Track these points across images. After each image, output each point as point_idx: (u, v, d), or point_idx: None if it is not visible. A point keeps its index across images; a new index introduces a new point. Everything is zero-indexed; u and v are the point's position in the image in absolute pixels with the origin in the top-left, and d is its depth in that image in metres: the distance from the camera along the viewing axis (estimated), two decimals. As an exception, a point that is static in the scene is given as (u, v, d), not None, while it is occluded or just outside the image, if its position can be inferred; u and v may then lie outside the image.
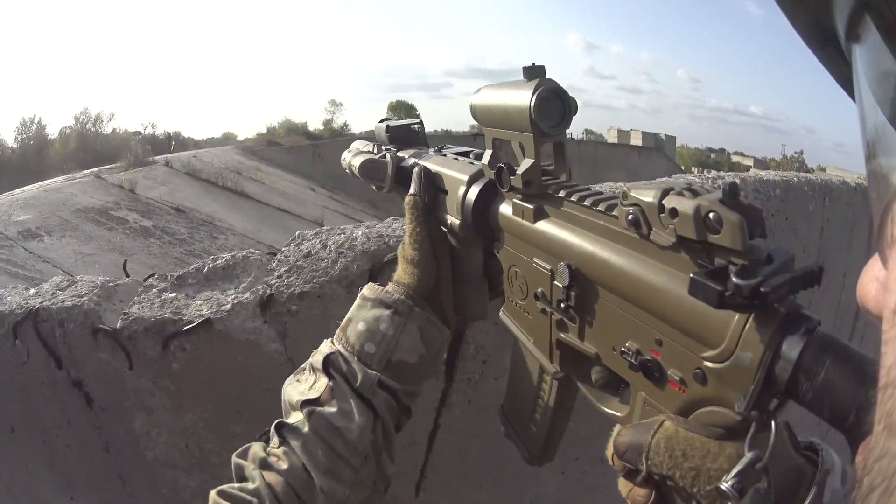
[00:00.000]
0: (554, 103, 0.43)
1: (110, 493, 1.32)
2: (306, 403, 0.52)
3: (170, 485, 1.18)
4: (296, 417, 0.52)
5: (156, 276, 1.15)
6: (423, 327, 0.56)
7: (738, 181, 0.30)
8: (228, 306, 1.03)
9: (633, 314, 0.36)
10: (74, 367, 1.19)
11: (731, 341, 0.29)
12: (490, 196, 0.53)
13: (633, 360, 0.36)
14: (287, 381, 0.57)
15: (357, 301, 0.58)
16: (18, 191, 7.33)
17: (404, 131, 0.71)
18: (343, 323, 0.57)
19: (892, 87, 0.19)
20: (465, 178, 0.55)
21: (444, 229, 0.61)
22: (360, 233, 1.03)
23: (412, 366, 0.55)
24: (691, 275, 0.29)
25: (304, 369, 0.57)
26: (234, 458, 0.53)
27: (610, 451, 0.37)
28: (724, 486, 0.29)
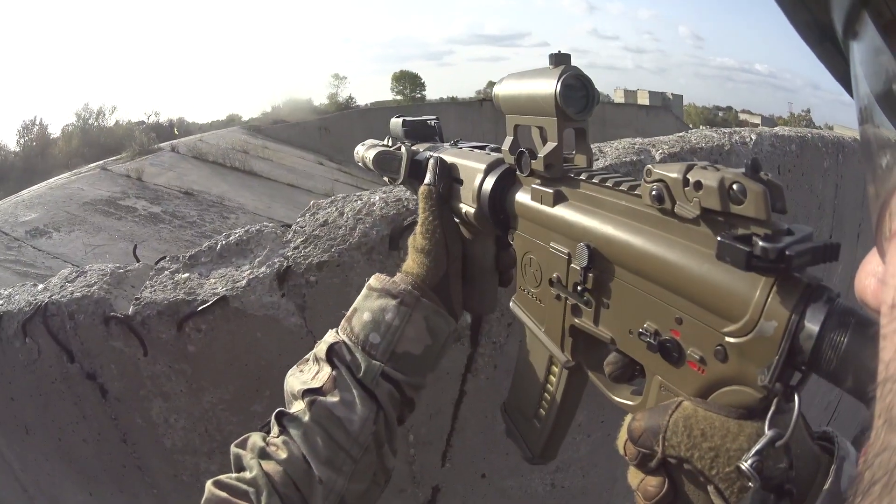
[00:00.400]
0: (578, 90, 0.43)
1: (130, 484, 1.29)
2: (308, 392, 0.52)
3: (190, 471, 1.15)
4: (297, 407, 0.52)
5: (167, 259, 1.12)
6: (429, 318, 0.55)
7: (758, 158, 0.30)
8: (244, 282, 1.01)
9: (653, 293, 0.36)
10: (87, 359, 1.16)
11: (755, 312, 0.29)
12: (507, 184, 0.53)
13: (651, 341, 0.36)
14: (290, 372, 0.56)
15: (363, 291, 0.57)
16: (24, 191, 7.26)
17: (420, 126, 0.71)
18: (348, 313, 0.57)
19: (890, 83, 0.19)
20: (483, 166, 0.55)
21: (458, 220, 0.60)
22: (377, 198, 1.01)
23: (417, 357, 0.55)
24: (718, 238, 0.29)
25: (308, 360, 0.56)
26: (233, 448, 0.52)
27: (622, 438, 0.36)
28: (743, 465, 0.28)
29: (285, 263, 1.00)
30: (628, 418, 0.38)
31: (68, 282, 1.22)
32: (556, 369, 0.50)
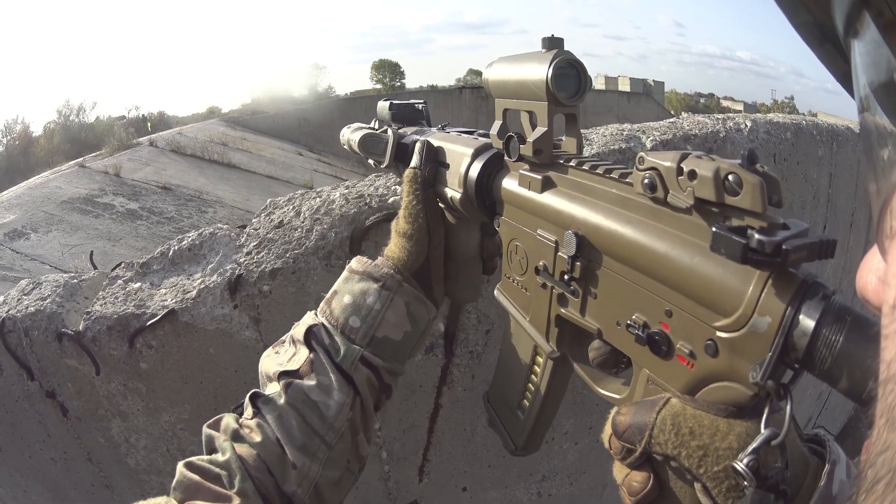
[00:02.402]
0: (570, 74, 0.43)
1: (103, 502, 1.24)
2: (284, 375, 0.50)
3: (157, 490, 1.09)
4: (272, 389, 0.51)
5: (122, 266, 1.05)
6: (410, 304, 0.54)
7: (755, 149, 0.26)
8: (194, 293, 0.92)
9: (643, 284, 0.35)
10: (45, 377, 1.10)
11: (749, 306, 0.28)
12: (495, 169, 0.52)
13: (639, 333, 0.35)
14: (265, 353, 0.55)
15: (344, 273, 0.56)
16: (3, 193, 7.27)
17: (407, 109, 0.70)
18: (328, 295, 0.56)
19: (891, 83, 0.19)
20: (470, 150, 0.54)
21: (443, 206, 0.59)
22: (337, 194, 0.91)
23: (396, 343, 0.54)
24: (714, 228, 0.28)
25: (284, 341, 0.55)
26: (205, 429, 0.51)
27: (607, 432, 0.36)
28: (738, 465, 0.28)
29: (237, 271, 0.91)
30: (613, 411, 0.36)
31: (24, 294, 1.15)
32: (540, 360, 0.49)
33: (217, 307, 0.91)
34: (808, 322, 0.26)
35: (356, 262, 0.56)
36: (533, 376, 0.50)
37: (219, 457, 0.47)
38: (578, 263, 0.40)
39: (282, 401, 0.49)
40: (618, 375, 0.42)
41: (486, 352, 0.94)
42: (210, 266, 0.95)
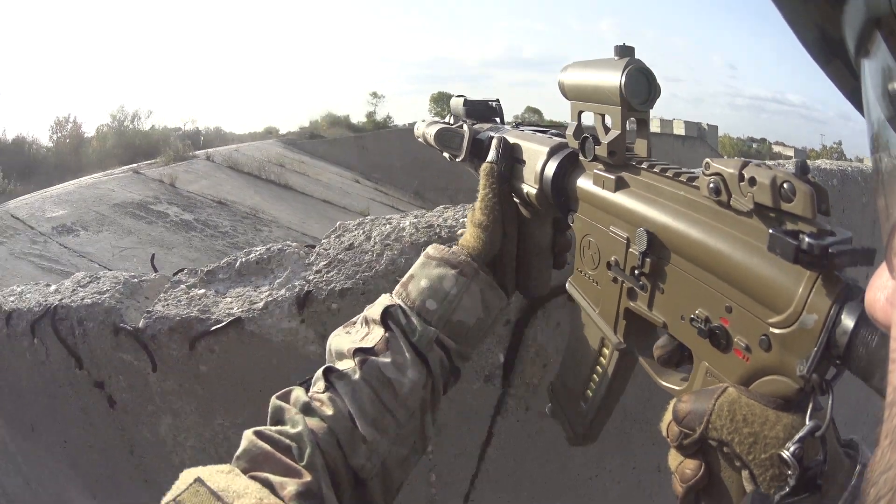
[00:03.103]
0: (641, 81, 0.45)
1: (135, 496, 1.25)
2: (359, 352, 0.52)
3: (200, 492, 1.11)
4: (346, 364, 0.52)
5: (185, 271, 1.06)
6: (484, 291, 0.56)
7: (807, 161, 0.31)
8: (261, 304, 0.94)
9: (706, 281, 0.37)
10: (95, 367, 1.11)
11: (799, 304, 0.31)
12: (569, 167, 0.54)
13: (702, 327, 0.37)
14: (334, 333, 0.57)
15: (421, 259, 0.59)
16: (53, 188, 7.21)
17: (482, 106, 0.71)
18: (404, 279, 0.58)
19: None
20: (546, 149, 0.56)
21: (517, 201, 0.61)
22: (407, 222, 0.93)
23: (469, 327, 0.56)
24: (770, 230, 0.31)
25: (356, 322, 0.56)
26: (274, 400, 0.52)
27: (667, 420, 0.38)
28: (784, 453, 0.30)
29: (306, 287, 0.93)
30: (674, 401, 0.38)
31: (80, 286, 1.16)
32: (606, 351, 0.51)
33: (284, 320, 0.93)
34: (848, 321, 0.28)
35: (433, 249, 0.58)
36: (598, 367, 0.53)
37: (289, 429, 0.48)
38: (648, 259, 0.42)
39: (356, 376, 0.50)
40: (678, 370, 0.44)
41: (541, 384, 0.95)
42: (278, 281, 0.96)
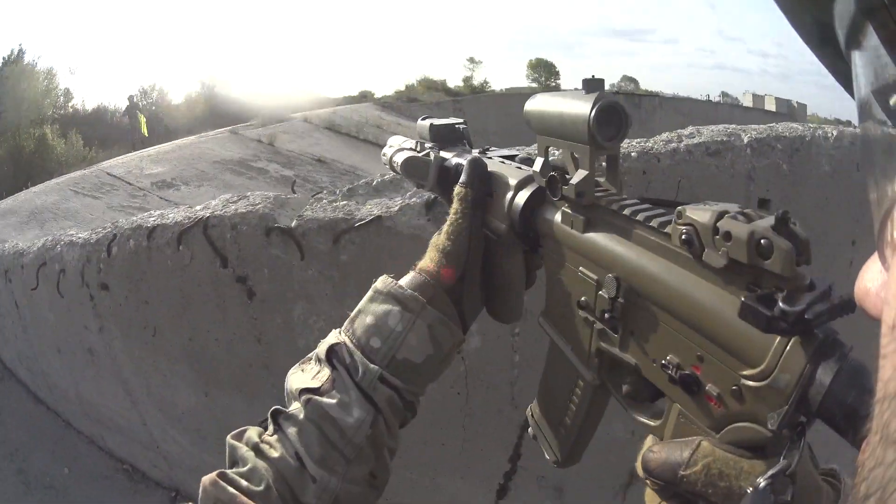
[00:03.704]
0: (612, 116, 0.43)
1: (251, 383, 1.47)
2: (305, 391, 0.52)
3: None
4: (294, 406, 0.52)
5: (325, 192, 1.35)
6: (433, 327, 0.54)
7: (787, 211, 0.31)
8: (397, 208, 1.23)
9: (678, 329, 0.37)
10: (241, 264, 1.37)
11: (772, 362, 0.30)
12: (538, 202, 0.53)
13: (672, 374, 0.37)
14: (291, 371, 0.56)
15: (369, 293, 0.56)
16: (149, 148, 7.20)
17: (447, 130, 0.70)
18: (352, 314, 0.56)
19: (893, 94, 0.19)
20: (515, 181, 0.55)
21: (487, 231, 0.59)
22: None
23: (417, 366, 0.54)
24: (742, 299, 0.30)
25: (310, 359, 0.56)
26: (229, 440, 0.53)
27: (640, 464, 0.38)
28: (748, 491, 0.30)
29: (433, 196, 1.22)
30: (647, 442, 0.40)
31: (231, 203, 1.44)
32: (581, 383, 0.51)
33: (414, 218, 1.21)
34: (824, 379, 0.28)
35: (381, 283, 0.56)
36: (574, 397, 0.52)
37: (241, 468, 0.49)
38: (618, 304, 0.41)
39: (301, 416, 0.50)
40: (653, 405, 0.44)
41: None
42: (409, 194, 1.26)
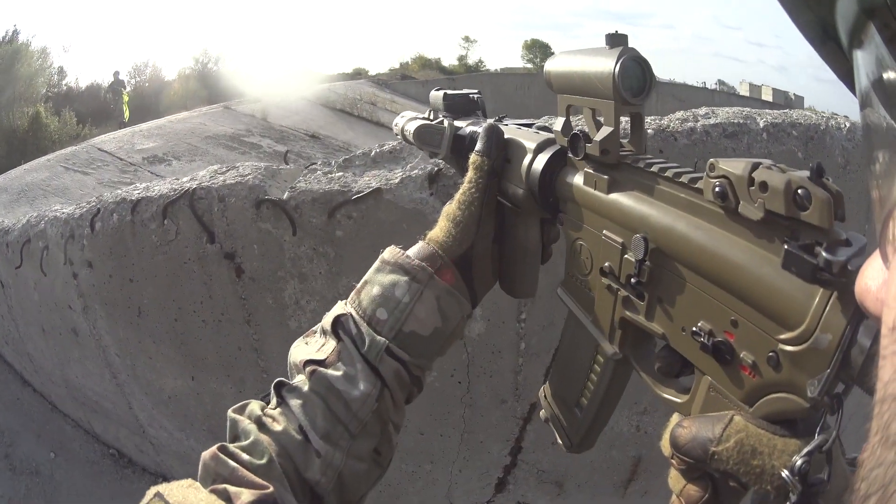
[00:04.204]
0: (636, 71, 0.42)
1: (240, 367, 1.39)
2: (310, 363, 0.50)
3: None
4: (298, 378, 0.51)
5: (320, 162, 1.26)
6: (441, 298, 0.52)
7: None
8: (397, 180, 1.14)
9: (710, 292, 0.35)
10: (229, 239, 1.28)
11: (812, 322, 0.29)
12: (558, 166, 0.51)
13: (704, 342, 0.35)
14: (294, 344, 0.54)
15: (376, 263, 0.55)
16: (142, 124, 7.20)
17: (462, 100, 0.68)
18: (359, 285, 0.54)
19: (894, 93, 0.19)
20: (533, 145, 0.53)
21: (502, 199, 0.58)
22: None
23: (424, 339, 0.52)
24: (786, 247, 0.29)
25: (315, 332, 0.54)
26: (230, 413, 0.51)
27: (666, 442, 0.36)
28: (784, 473, 0.29)
29: (436, 168, 1.13)
30: (674, 419, 0.38)
31: (219, 174, 1.35)
32: (601, 359, 0.49)
33: (416, 192, 1.12)
34: (865, 341, 0.27)
35: (388, 253, 0.54)
36: (593, 375, 0.50)
37: (244, 441, 0.48)
38: (645, 267, 0.39)
39: (306, 388, 0.49)
40: (678, 380, 0.42)
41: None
42: (409, 165, 1.17)
